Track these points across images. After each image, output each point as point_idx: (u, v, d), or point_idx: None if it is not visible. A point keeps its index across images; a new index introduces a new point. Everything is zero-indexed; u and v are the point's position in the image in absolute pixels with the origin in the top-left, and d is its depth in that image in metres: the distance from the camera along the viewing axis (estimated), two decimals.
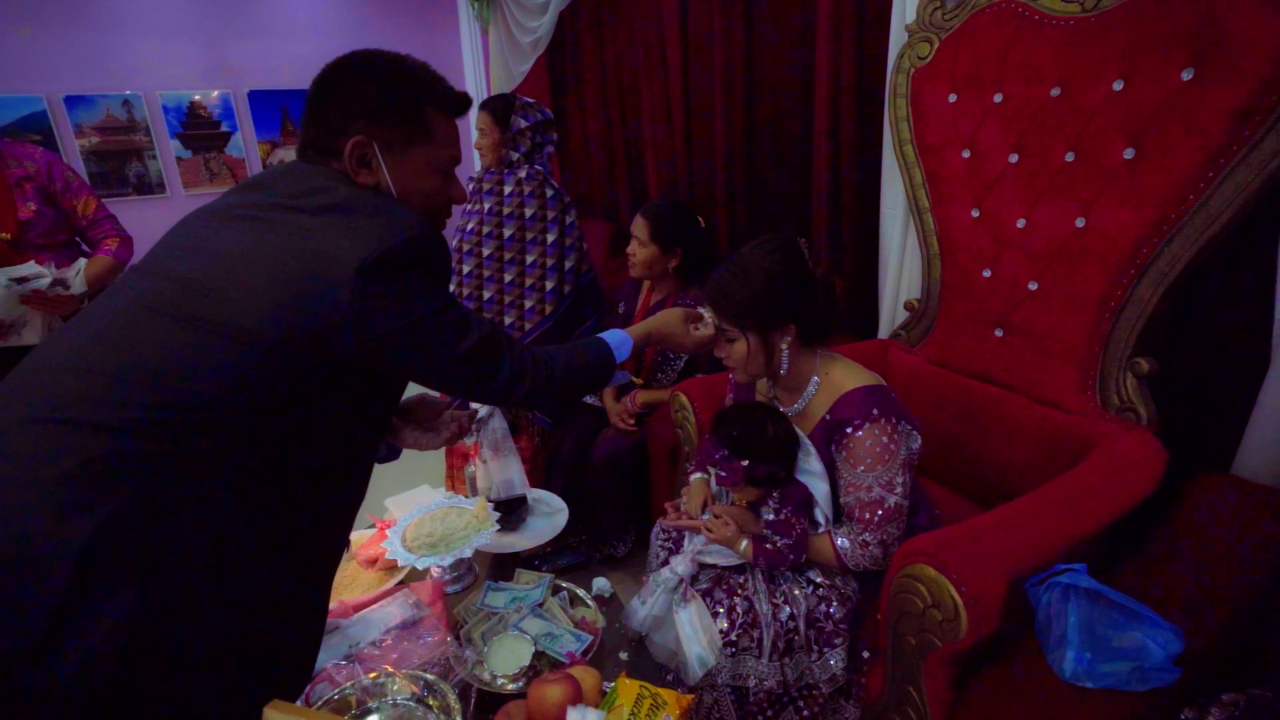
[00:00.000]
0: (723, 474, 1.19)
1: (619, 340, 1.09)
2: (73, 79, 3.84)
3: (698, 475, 1.35)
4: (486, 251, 1.99)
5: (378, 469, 1.02)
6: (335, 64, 0.86)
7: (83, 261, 1.61)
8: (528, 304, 2.00)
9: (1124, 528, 1.12)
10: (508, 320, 2.01)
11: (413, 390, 1.07)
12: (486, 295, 2.02)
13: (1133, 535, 1.17)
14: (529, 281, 2.00)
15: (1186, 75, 1.12)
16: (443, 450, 2.30)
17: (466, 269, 2.02)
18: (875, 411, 1.11)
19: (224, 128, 4.37)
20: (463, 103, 0.92)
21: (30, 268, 1.44)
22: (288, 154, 4.56)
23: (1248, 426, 1.17)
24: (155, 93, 4.11)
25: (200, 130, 4.29)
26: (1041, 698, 0.93)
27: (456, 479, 2.23)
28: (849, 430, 1.13)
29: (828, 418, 1.17)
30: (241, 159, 4.44)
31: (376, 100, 0.84)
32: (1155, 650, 0.90)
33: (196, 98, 4.23)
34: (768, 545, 1.17)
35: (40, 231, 1.54)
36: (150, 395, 0.72)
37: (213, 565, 0.75)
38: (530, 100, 2.04)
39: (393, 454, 1.14)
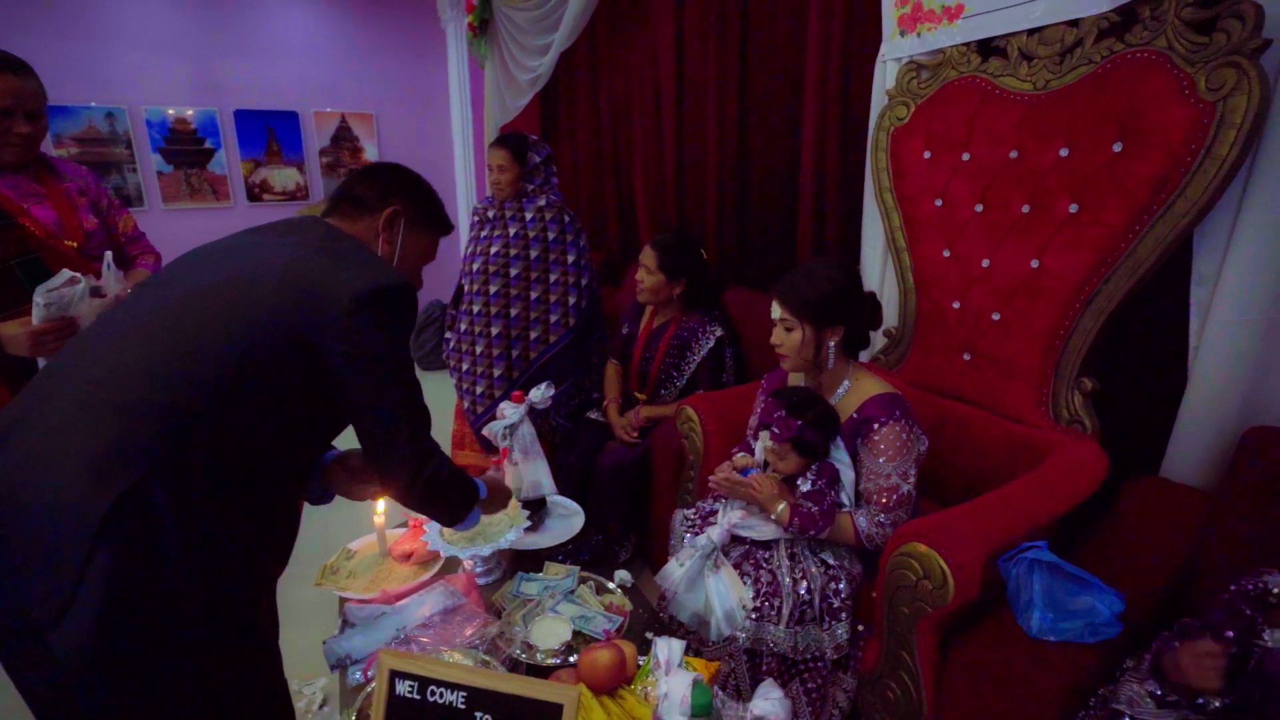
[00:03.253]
0: (777, 430, 1.38)
1: (482, 489, 1.20)
2: (57, 89, 3.80)
3: (741, 454, 1.52)
4: (514, 272, 2.13)
5: None
6: (394, 163, 1.16)
7: (119, 271, 1.58)
8: (553, 319, 2.16)
9: (1075, 517, 1.32)
10: (533, 335, 2.14)
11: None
12: (514, 313, 2.14)
13: (1082, 524, 1.38)
14: (553, 298, 2.15)
15: (1117, 148, 1.36)
16: (458, 461, 2.41)
17: (494, 289, 2.14)
18: (897, 413, 1.34)
19: (208, 144, 4.36)
20: (449, 230, 1.22)
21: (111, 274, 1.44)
22: (271, 173, 4.57)
23: (1171, 436, 1.40)
24: (139, 107, 4.08)
25: (182, 146, 4.29)
26: (1014, 651, 1.12)
27: None
28: (875, 426, 1.34)
29: (855, 416, 1.38)
30: (224, 176, 4.44)
31: (417, 193, 1.14)
32: (1103, 610, 1.10)
33: (171, 112, 4.21)
34: (802, 508, 1.34)
35: (96, 244, 1.57)
36: (171, 382, 0.83)
37: (187, 547, 0.80)
38: (535, 137, 2.24)
39: (325, 497, 1.22)
